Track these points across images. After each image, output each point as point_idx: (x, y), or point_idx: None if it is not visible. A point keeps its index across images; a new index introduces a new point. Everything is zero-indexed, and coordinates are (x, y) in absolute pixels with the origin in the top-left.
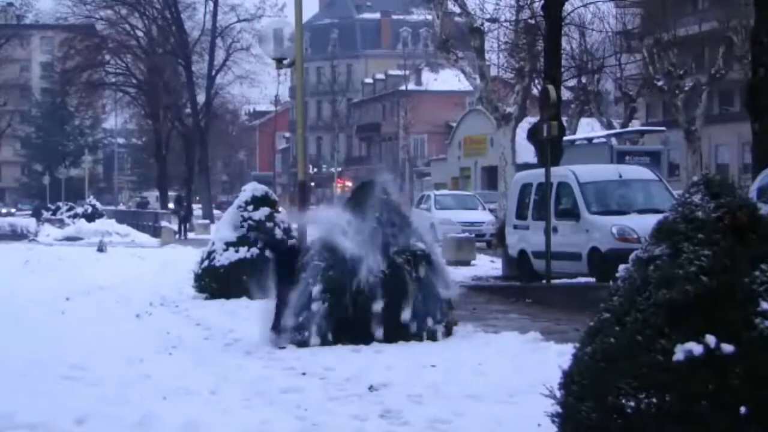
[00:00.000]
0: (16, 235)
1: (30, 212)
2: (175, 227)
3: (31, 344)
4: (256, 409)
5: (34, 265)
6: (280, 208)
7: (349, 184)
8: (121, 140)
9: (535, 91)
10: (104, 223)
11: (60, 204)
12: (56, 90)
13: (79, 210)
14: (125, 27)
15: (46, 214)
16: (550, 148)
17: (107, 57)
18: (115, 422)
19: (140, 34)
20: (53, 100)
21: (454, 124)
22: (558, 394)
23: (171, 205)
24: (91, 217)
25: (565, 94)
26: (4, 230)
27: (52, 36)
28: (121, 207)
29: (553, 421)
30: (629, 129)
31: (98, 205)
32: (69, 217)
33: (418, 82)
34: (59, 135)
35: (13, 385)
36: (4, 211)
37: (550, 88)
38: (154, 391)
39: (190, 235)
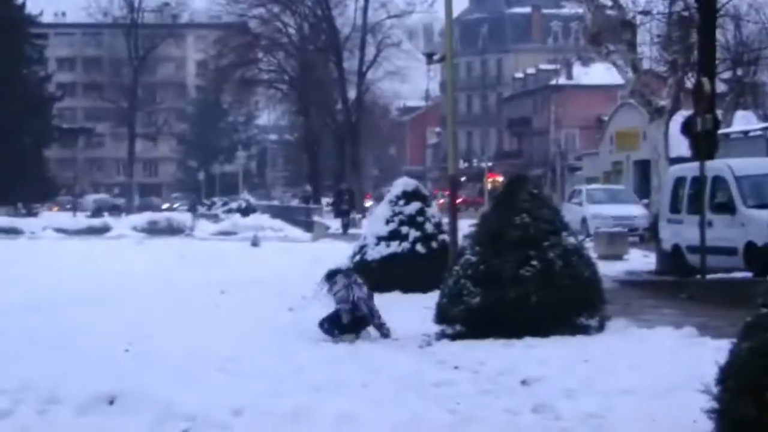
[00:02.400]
0: (172, 229)
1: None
2: (330, 222)
3: (188, 337)
4: (408, 402)
5: (190, 259)
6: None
7: (500, 178)
8: (273, 136)
9: (688, 84)
10: (258, 218)
11: (215, 199)
12: (210, 87)
13: (234, 205)
14: (277, 25)
15: (201, 210)
16: (705, 142)
17: (260, 54)
18: (270, 414)
19: (292, 31)
20: (208, 98)
21: (606, 118)
22: (714, 390)
23: (329, 200)
24: (245, 212)
25: (720, 87)
26: (161, 225)
27: (206, 34)
28: (275, 202)
29: (710, 417)
30: None
31: (252, 200)
32: (224, 212)
33: (569, 76)
34: (214, 132)
35: (172, 377)
36: (165, 206)
37: (705, 80)
38: (307, 384)
39: (352, 230)
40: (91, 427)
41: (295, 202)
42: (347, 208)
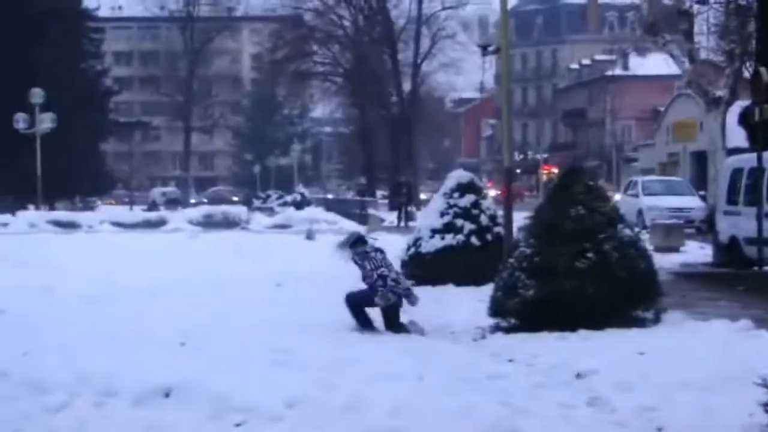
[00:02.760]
0: (228, 222)
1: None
2: (385, 215)
3: (243, 329)
4: (462, 395)
5: (245, 252)
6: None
7: (555, 170)
8: (328, 129)
9: (746, 74)
10: (312, 211)
11: (270, 192)
12: (265, 81)
13: (288, 198)
14: (332, 17)
15: (256, 203)
16: (763, 132)
17: (314, 47)
18: (324, 406)
19: (347, 23)
20: (263, 91)
21: (662, 109)
22: None
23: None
24: (299, 205)
25: None
26: (217, 218)
27: (261, 27)
28: (330, 195)
29: (766, 411)
30: None
31: (307, 193)
32: (279, 205)
33: (625, 67)
34: (269, 125)
35: (227, 369)
36: (235, 198)
37: (763, 70)
38: (361, 376)
39: (411, 223)
40: (147, 420)
41: (350, 195)
42: (405, 201)
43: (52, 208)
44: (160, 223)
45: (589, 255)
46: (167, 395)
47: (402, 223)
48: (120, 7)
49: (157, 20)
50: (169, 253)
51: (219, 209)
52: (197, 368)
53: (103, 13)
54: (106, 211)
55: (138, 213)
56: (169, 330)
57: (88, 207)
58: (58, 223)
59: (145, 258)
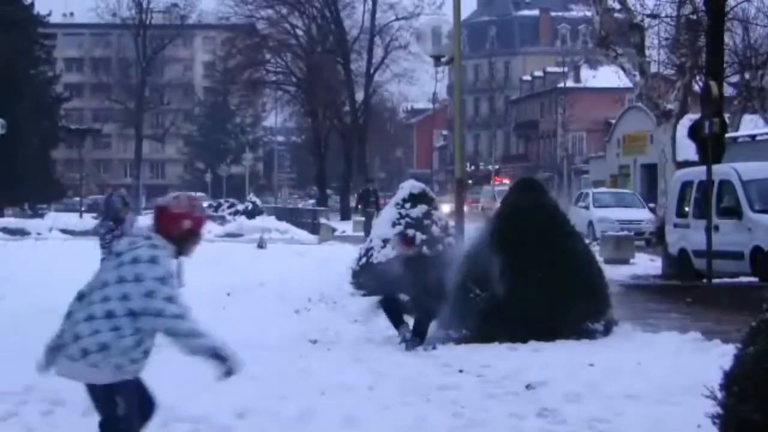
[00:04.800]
0: None
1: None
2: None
3: None
4: (414, 406)
5: (195, 260)
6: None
7: (507, 181)
8: (280, 138)
9: (696, 88)
10: (264, 220)
11: (221, 201)
12: (218, 89)
13: (240, 207)
14: (285, 26)
15: (207, 211)
16: (712, 146)
17: (268, 56)
18: (275, 417)
19: (300, 32)
20: (215, 99)
21: (613, 122)
22: (719, 395)
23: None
24: (251, 214)
25: (728, 91)
26: None
27: (215, 36)
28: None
29: (714, 423)
30: None
31: (258, 202)
32: (230, 214)
33: (577, 79)
34: (221, 133)
35: (176, 379)
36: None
37: (713, 84)
38: (312, 387)
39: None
40: (95, 429)
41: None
42: (372, 210)
43: (0, 215)
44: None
45: (541, 266)
46: None
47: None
48: (72, 14)
49: (110, 27)
50: None
51: None
52: (146, 378)
53: (55, 19)
54: (56, 218)
55: (88, 220)
56: None
57: (38, 214)
58: (7, 230)
59: (94, 267)
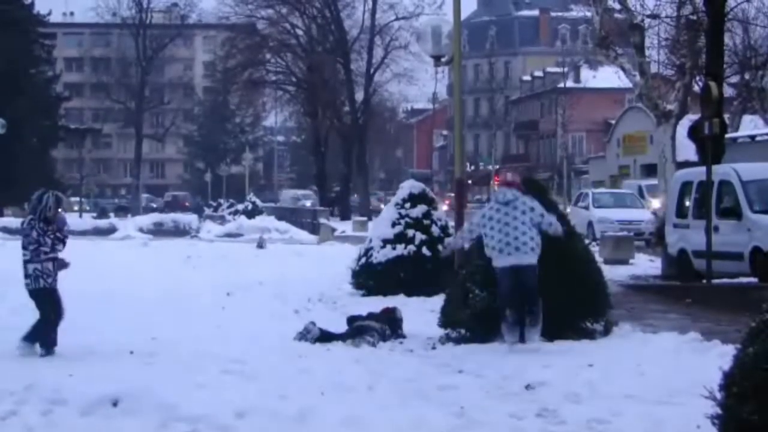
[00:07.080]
0: (178, 231)
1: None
2: (337, 225)
3: (193, 339)
4: (414, 406)
5: (195, 260)
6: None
7: None
8: (280, 138)
9: (696, 88)
10: (264, 220)
11: (221, 201)
12: (218, 88)
13: (240, 207)
14: (285, 26)
15: (207, 211)
16: (712, 146)
17: (268, 56)
18: (274, 416)
19: (300, 32)
20: (215, 99)
21: (613, 122)
22: (718, 395)
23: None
24: (251, 214)
25: (728, 91)
26: (167, 226)
27: (215, 35)
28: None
29: (713, 423)
30: None
31: (258, 202)
32: (230, 213)
33: (577, 80)
34: (221, 133)
35: (177, 379)
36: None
37: (712, 84)
38: (312, 387)
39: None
40: (95, 429)
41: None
42: None
43: (0, 214)
44: (110, 230)
45: (540, 266)
46: (115, 404)
47: None
48: (72, 13)
49: (110, 26)
50: (119, 261)
51: (169, 217)
52: (146, 377)
53: (55, 18)
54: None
55: (87, 220)
56: (119, 338)
57: None
58: (7, 230)
59: (94, 267)
